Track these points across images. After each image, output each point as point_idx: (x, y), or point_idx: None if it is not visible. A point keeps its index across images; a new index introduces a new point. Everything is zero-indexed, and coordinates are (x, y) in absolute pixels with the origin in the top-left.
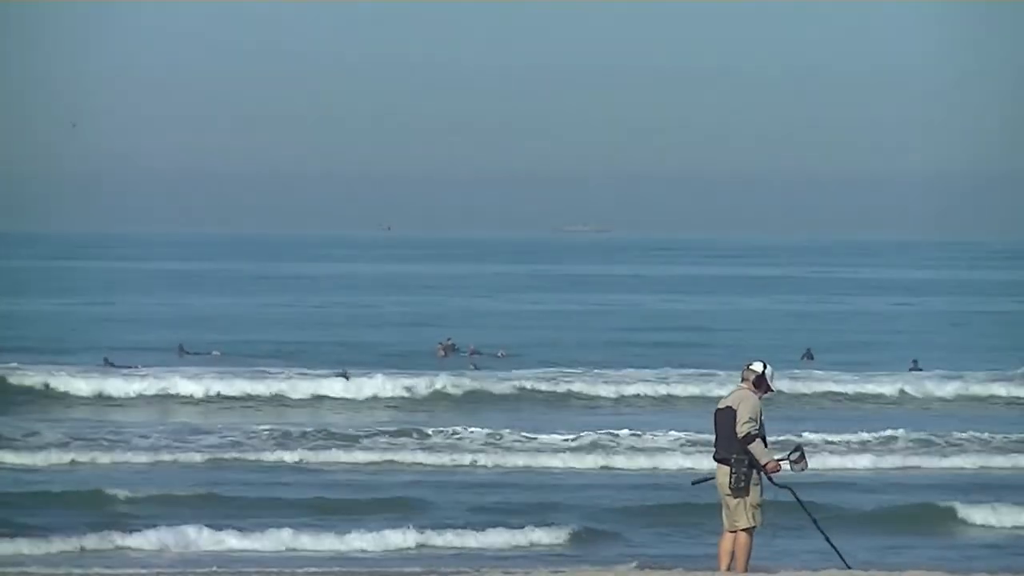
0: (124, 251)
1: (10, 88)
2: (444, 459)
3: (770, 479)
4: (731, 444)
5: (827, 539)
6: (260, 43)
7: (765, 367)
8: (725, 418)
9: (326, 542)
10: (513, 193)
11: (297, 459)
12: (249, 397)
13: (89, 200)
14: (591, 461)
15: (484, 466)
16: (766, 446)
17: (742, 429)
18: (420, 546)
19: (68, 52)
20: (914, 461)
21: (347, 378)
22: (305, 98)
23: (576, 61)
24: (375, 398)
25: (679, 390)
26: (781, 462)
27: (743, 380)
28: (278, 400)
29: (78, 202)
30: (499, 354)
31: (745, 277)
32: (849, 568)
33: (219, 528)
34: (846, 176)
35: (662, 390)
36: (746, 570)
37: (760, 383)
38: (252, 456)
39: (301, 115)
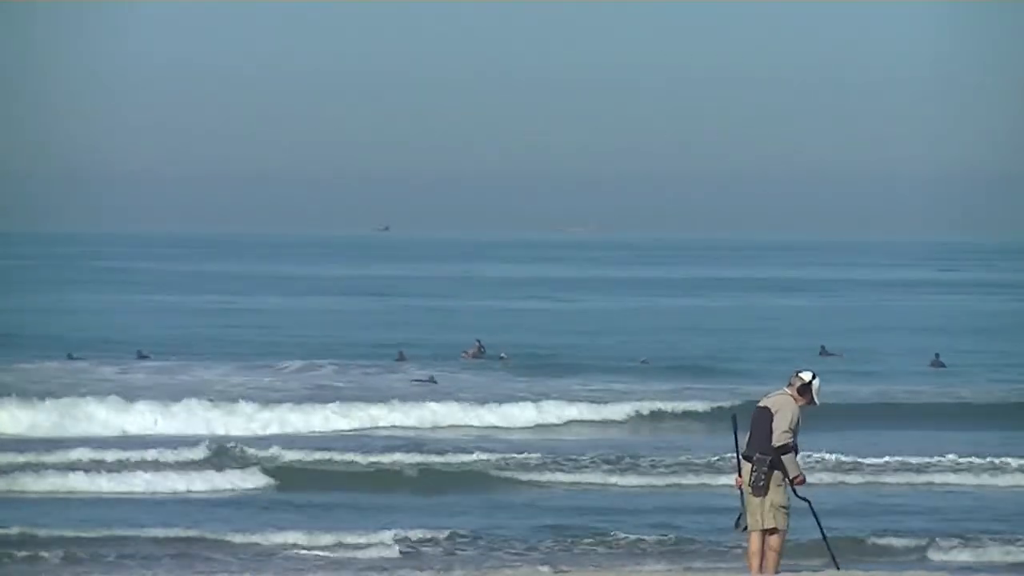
0: (120, 251)
1: (8, 86)
2: None
3: (793, 491)
4: (760, 443)
5: (833, 558)
6: (258, 44)
7: (814, 378)
8: (761, 417)
9: None
10: (513, 193)
11: None
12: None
13: (84, 200)
14: None
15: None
16: (796, 454)
17: (779, 439)
18: None
19: (64, 49)
20: None
21: (434, 381)
22: (303, 98)
23: (576, 62)
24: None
25: None
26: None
27: (789, 385)
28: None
29: (72, 201)
30: (501, 356)
31: (749, 278)
32: None
33: None
34: (850, 176)
35: None
36: (777, 571)
37: (804, 392)
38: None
39: (298, 115)
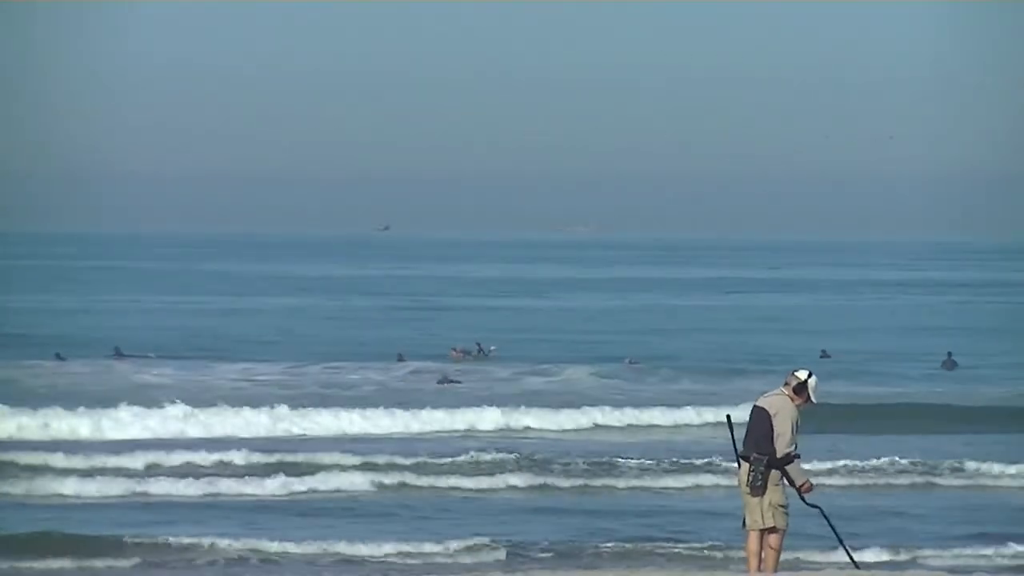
0: (120, 251)
1: (7, 85)
2: None
3: (802, 498)
4: (757, 443)
5: (852, 559)
6: (258, 44)
7: (809, 376)
8: (758, 417)
9: None
10: (513, 193)
11: None
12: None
13: (84, 200)
14: None
15: None
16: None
17: (783, 448)
18: None
19: (64, 49)
20: None
21: (448, 383)
22: (303, 98)
23: (576, 62)
24: None
25: None
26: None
27: (785, 384)
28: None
29: (72, 201)
30: (490, 350)
31: (749, 278)
32: None
33: None
34: (850, 176)
35: None
36: (776, 571)
37: (800, 391)
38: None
39: (298, 115)
